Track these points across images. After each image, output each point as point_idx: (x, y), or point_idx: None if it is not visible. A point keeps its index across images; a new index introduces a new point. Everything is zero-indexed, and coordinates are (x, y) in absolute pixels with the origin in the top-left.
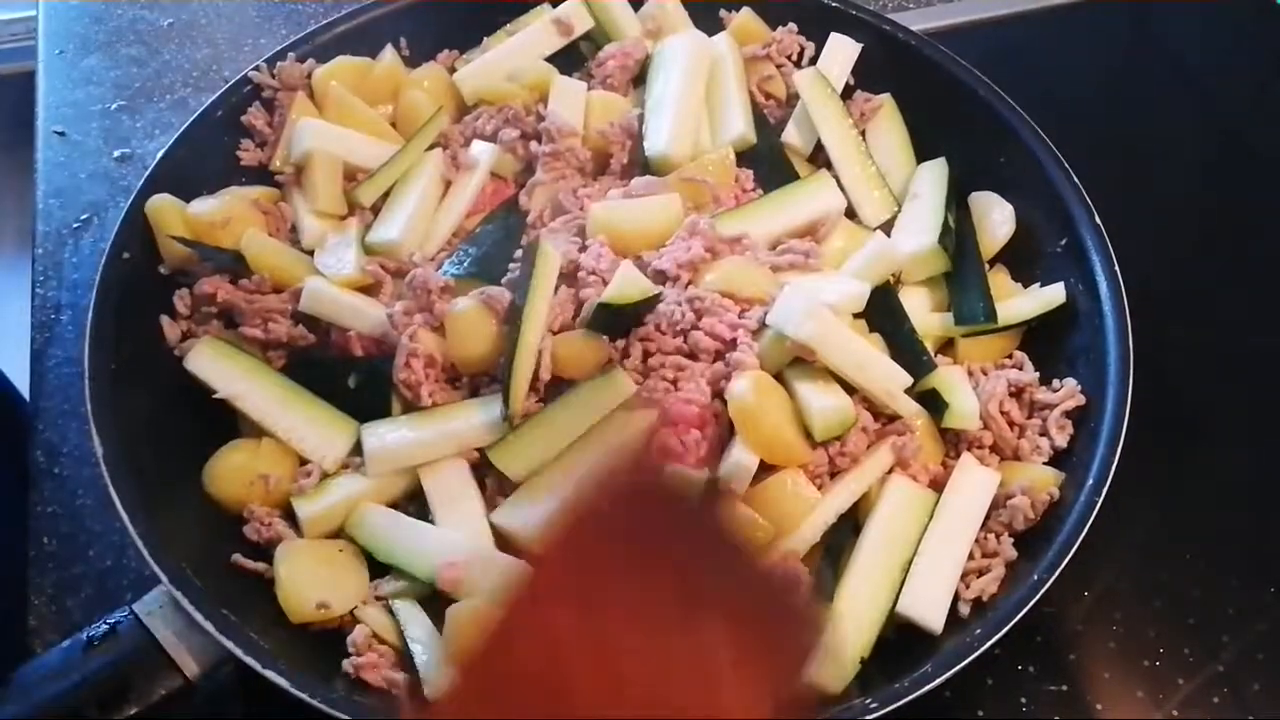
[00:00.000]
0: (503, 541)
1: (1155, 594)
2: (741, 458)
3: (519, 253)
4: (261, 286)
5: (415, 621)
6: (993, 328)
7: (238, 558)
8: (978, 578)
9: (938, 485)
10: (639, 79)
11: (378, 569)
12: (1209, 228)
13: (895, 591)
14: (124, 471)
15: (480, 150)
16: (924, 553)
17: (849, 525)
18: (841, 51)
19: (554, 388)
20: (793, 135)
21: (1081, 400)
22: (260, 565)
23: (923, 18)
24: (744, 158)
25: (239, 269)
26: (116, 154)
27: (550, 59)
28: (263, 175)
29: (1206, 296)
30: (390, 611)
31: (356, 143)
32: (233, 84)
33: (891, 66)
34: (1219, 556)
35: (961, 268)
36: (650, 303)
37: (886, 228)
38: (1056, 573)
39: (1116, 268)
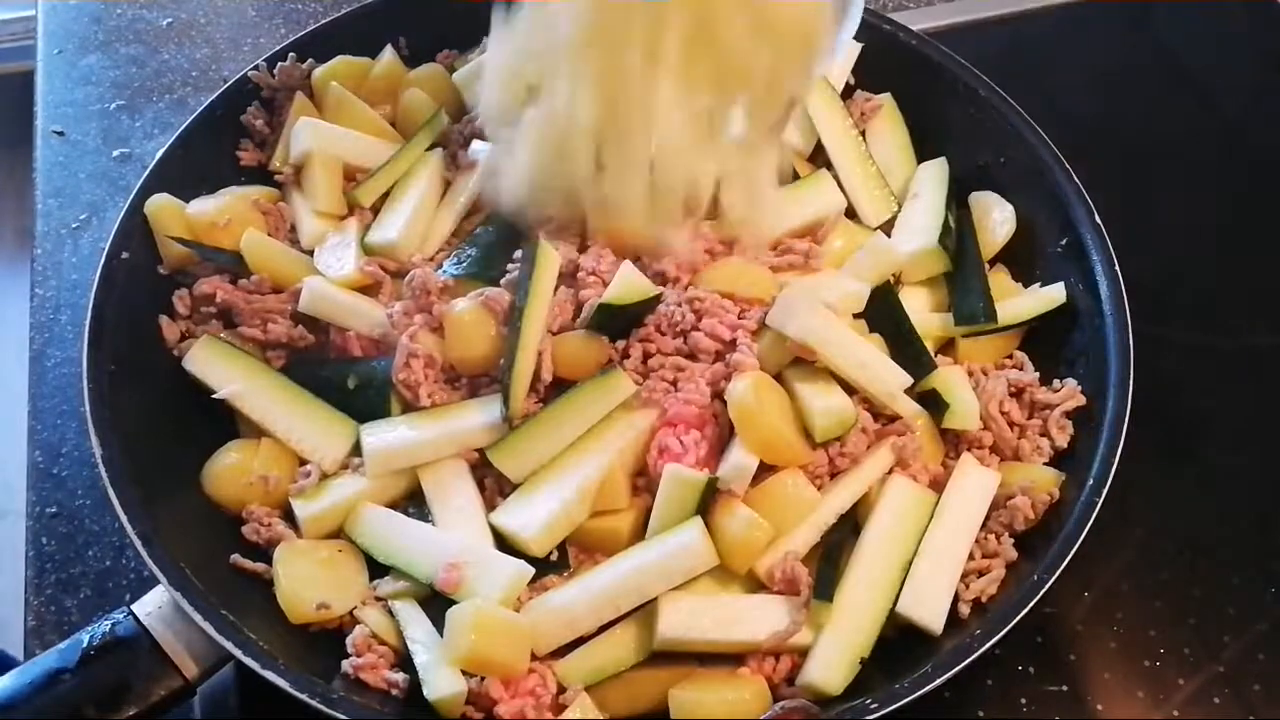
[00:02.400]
0: (502, 541)
1: (1155, 594)
2: (741, 458)
3: (519, 253)
4: (261, 286)
5: (415, 622)
6: (993, 328)
7: (237, 558)
8: (978, 578)
9: (938, 485)
10: None
11: (377, 569)
12: (1209, 228)
13: (895, 592)
14: (123, 472)
15: (480, 150)
16: (924, 553)
17: (849, 525)
18: (841, 51)
19: (554, 388)
20: (793, 135)
21: (1081, 400)
22: (260, 566)
23: (923, 18)
24: None
25: (238, 269)
26: (115, 154)
27: None
28: (262, 175)
29: (1206, 296)
30: (390, 612)
31: (356, 143)
32: (232, 84)
33: (891, 66)
34: (1219, 556)
35: (961, 268)
36: (650, 303)
37: (886, 228)
38: (1056, 573)
39: (1117, 268)
